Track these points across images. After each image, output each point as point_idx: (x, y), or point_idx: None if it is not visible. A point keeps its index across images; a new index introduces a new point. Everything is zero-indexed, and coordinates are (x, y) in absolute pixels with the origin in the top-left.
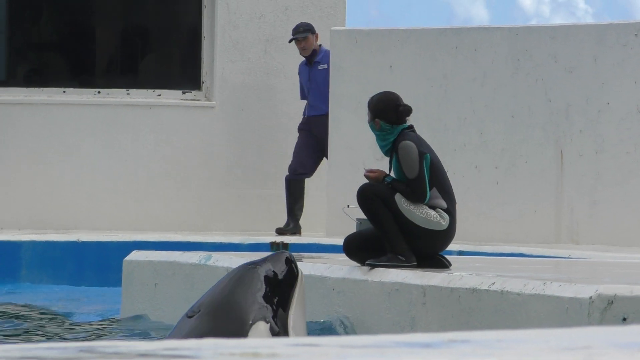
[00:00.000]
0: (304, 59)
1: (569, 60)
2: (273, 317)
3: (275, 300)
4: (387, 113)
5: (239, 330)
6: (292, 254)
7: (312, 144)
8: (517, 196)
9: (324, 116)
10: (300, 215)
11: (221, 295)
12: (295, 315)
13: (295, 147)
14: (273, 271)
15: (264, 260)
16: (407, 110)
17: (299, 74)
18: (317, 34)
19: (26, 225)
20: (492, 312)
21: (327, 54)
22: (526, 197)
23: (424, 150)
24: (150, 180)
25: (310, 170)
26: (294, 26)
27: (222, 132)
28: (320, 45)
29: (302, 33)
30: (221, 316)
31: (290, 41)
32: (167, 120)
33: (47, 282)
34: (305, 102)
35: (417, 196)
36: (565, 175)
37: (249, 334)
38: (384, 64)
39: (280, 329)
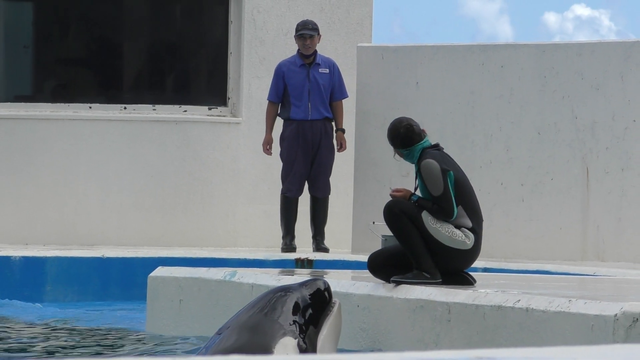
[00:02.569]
0: (287, 59)
1: (596, 78)
2: (300, 338)
3: (303, 323)
4: (396, 140)
5: (265, 346)
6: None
7: (300, 159)
8: (543, 213)
9: (324, 120)
10: (289, 232)
11: (249, 313)
12: (325, 342)
13: (284, 163)
14: (305, 296)
15: (299, 284)
16: (408, 131)
17: (285, 74)
18: (320, 36)
19: (51, 241)
20: (517, 329)
21: (327, 60)
22: (552, 214)
23: (446, 167)
24: (176, 196)
25: (297, 193)
26: (321, 42)
27: (248, 148)
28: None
29: (312, 30)
30: (248, 332)
31: (297, 35)
32: (193, 136)
33: (72, 298)
34: (273, 104)
35: (444, 213)
36: (591, 193)
37: (275, 351)
38: (411, 80)
39: (308, 345)
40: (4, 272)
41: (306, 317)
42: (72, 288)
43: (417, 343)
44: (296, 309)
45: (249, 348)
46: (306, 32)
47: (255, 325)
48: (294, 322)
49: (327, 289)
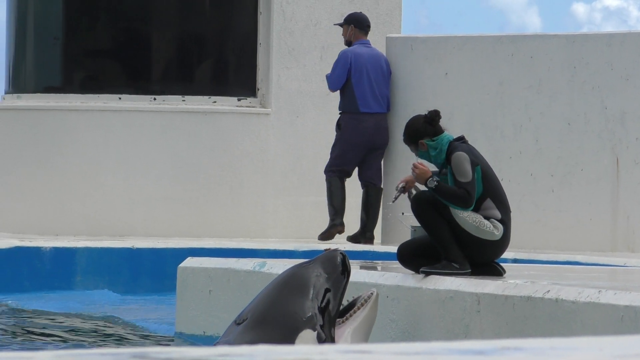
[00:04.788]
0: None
1: (625, 68)
2: (319, 328)
3: (324, 304)
4: (420, 129)
5: (285, 339)
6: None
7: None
8: (573, 204)
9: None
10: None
11: (268, 302)
12: (355, 334)
13: None
14: (322, 273)
15: (314, 261)
16: (433, 115)
17: None
18: (353, 29)
19: (81, 232)
20: (547, 320)
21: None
22: (582, 205)
23: (476, 161)
24: (205, 187)
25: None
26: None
27: (278, 139)
28: (359, 40)
29: (341, 22)
30: (267, 324)
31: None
32: (223, 126)
33: (102, 289)
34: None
35: (466, 199)
36: (621, 183)
37: (296, 342)
38: (440, 71)
39: (327, 336)
40: (35, 263)
41: (324, 301)
42: (102, 279)
43: (447, 334)
44: (313, 294)
45: (267, 343)
46: (338, 23)
47: (271, 320)
48: (312, 310)
49: (344, 261)
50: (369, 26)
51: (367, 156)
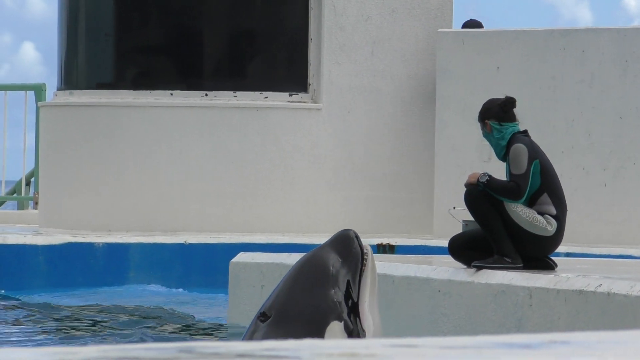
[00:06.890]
0: None
1: None
2: (346, 312)
3: (345, 290)
4: (493, 110)
5: (313, 335)
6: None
7: None
8: (626, 198)
9: None
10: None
11: (289, 296)
12: (371, 308)
13: None
14: (337, 257)
15: (327, 246)
16: (510, 101)
17: None
18: None
19: (134, 228)
20: (599, 314)
21: None
22: (634, 198)
23: (534, 155)
24: (257, 182)
25: None
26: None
27: (329, 134)
28: None
29: None
30: (293, 321)
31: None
32: (274, 122)
33: (155, 284)
34: None
35: (516, 192)
36: None
37: (325, 337)
38: (491, 65)
39: (353, 323)
40: (88, 259)
41: (345, 286)
42: (155, 274)
43: (499, 328)
44: (332, 281)
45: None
46: None
47: (296, 316)
48: (334, 299)
49: (358, 241)
50: None
51: None
